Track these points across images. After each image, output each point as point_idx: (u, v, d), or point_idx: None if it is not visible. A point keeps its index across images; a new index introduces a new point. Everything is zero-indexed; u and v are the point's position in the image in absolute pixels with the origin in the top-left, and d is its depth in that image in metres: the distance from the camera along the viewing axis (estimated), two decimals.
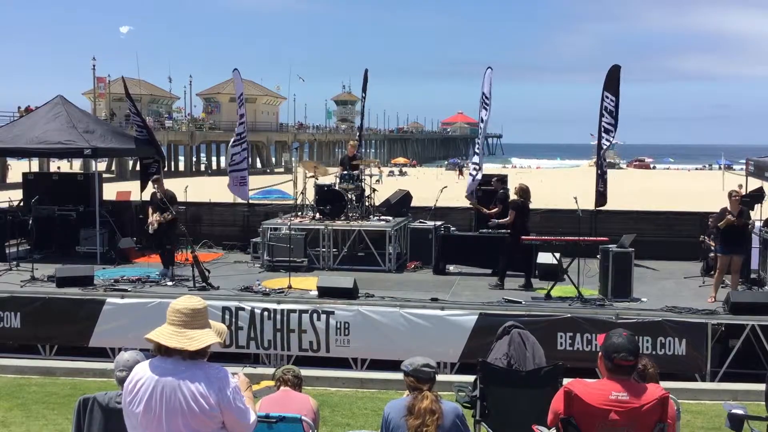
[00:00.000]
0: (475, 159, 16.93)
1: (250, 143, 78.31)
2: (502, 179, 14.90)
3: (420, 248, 14.33)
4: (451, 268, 13.85)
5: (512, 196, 12.58)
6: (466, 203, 16.77)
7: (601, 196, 15.29)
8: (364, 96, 17.71)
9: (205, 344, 3.51)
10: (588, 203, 15.57)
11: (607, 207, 15.72)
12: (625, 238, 11.71)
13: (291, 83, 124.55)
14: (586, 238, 12.06)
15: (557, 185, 52.24)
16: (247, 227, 16.52)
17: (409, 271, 13.95)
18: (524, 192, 12.22)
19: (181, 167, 72.99)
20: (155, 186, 13.27)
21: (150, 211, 12.94)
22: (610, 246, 11.51)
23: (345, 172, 14.79)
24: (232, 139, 16.73)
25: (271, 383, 5.49)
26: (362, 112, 17.84)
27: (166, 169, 16.99)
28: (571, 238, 11.94)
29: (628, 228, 13.66)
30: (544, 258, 12.80)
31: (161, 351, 3.53)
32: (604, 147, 15.11)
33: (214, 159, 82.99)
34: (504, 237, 13.46)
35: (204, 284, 11.76)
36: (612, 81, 15.08)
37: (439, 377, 4.97)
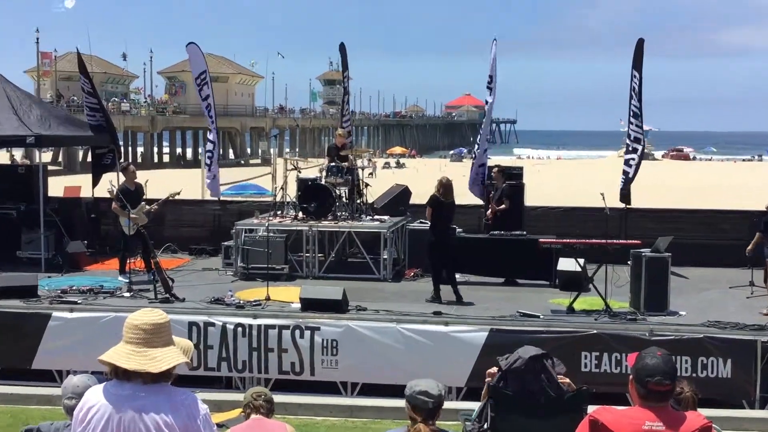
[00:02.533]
0: (480, 147, 16.96)
1: (221, 130, 78.38)
2: (504, 170, 14.99)
3: (420, 253, 14.34)
4: (457, 276, 13.89)
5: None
6: (475, 200, 16.80)
7: (625, 192, 15.35)
8: (346, 75, 17.70)
9: (169, 365, 3.49)
10: (616, 200, 15.63)
11: (640, 204, 15.77)
12: (661, 240, 11.74)
13: (269, 60, 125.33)
14: (614, 240, 12.09)
15: (580, 179, 52.41)
16: (217, 228, 16.53)
17: (408, 279, 13.99)
18: (445, 187, 12.26)
19: (140, 158, 72.91)
20: (125, 175, 13.33)
21: (118, 207, 12.97)
22: (642, 250, 11.54)
23: (333, 164, 14.79)
24: (210, 124, 16.72)
25: (236, 413, 5.45)
26: (344, 94, 17.91)
27: (122, 160, 16.92)
28: (597, 240, 11.97)
29: (664, 229, 13.69)
30: (566, 264, 12.82)
31: (118, 374, 3.50)
32: (634, 134, 15.16)
33: (179, 150, 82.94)
34: (520, 239, 13.50)
35: (167, 295, 11.76)
36: (639, 57, 15.14)
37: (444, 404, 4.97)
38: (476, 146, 17.04)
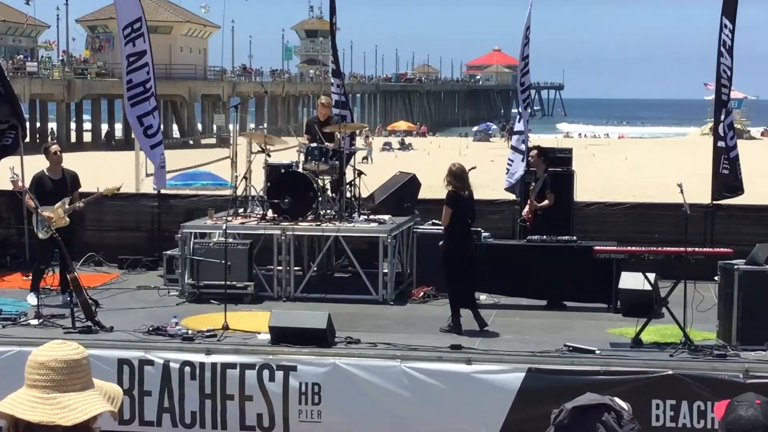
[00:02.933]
0: (518, 125, 16.98)
1: (162, 99, 78.40)
2: (545, 152, 14.97)
3: (432, 265, 14.32)
4: (483, 297, 13.86)
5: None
6: (507, 194, 16.80)
7: (725, 184, 15.32)
8: (334, 23, 17.68)
9: (87, 415, 3.46)
10: (700, 194, 15.62)
11: (731, 200, 15.75)
12: (761, 249, 11.71)
13: (228, 3, 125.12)
14: (697, 248, 12.07)
15: (651, 165, 52.49)
16: (156, 233, 16.55)
17: (416, 301, 14.00)
18: (457, 177, 12.31)
19: (53, 136, 72.86)
20: (48, 159, 13.29)
21: (32, 202, 12.95)
22: (735, 262, 11.53)
23: (314, 146, 14.81)
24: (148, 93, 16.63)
25: None
26: (333, 49, 17.84)
27: (28, 139, 16.89)
28: (673, 249, 11.95)
29: (765, 234, 13.68)
30: (630, 281, 12.82)
31: (18, 429, 3.50)
32: (728, 104, 15.17)
33: (105, 126, 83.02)
34: (568, 247, 13.50)
35: (88, 323, 11.75)
36: (731, 1, 15.13)
37: None
38: (519, 122, 17.02)
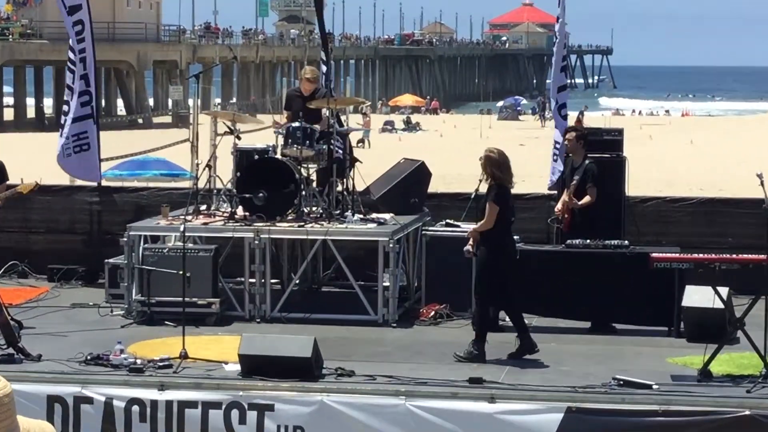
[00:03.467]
0: (561, 95, 16.92)
1: (103, 67, 77.95)
2: (584, 135, 14.85)
3: (446, 277, 14.36)
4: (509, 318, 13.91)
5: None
6: (541, 186, 16.79)
7: None
8: None
9: None
10: None
11: None
12: None
13: None
14: None
15: (723, 150, 52.40)
16: (96, 236, 16.55)
17: (425, 323, 14.03)
18: (502, 166, 12.34)
19: None
20: None
21: None
22: None
23: (296, 125, 14.82)
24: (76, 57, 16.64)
25: None
26: (319, 2, 17.79)
27: None
28: (751, 256, 11.97)
29: None
30: (697, 296, 12.83)
31: None
32: None
33: (31, 100, 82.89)
34: (618, 255, 13.48)
35: (10, 350, 11.74)
36: None
37: None
38: (560, 93, 17.01)
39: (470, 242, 12.48)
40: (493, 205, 12.23)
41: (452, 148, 50.48)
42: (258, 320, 13.90)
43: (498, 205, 12.22)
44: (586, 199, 14.29)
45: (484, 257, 12.33)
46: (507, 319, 13.74)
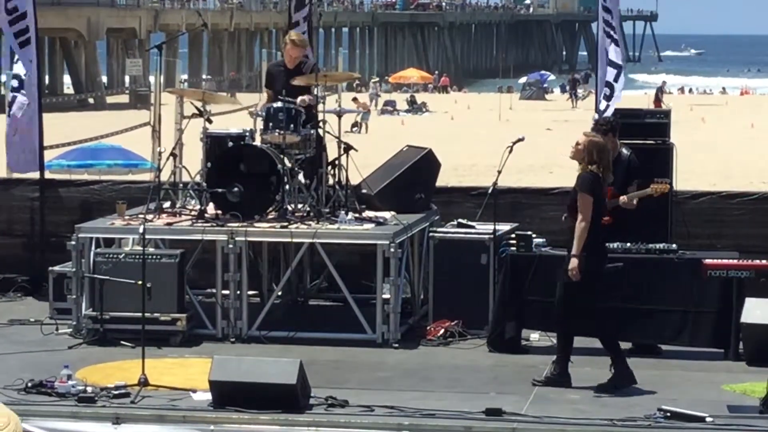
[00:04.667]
0: (610, 73, 16.89)
1: (47, 36, 77.48)
2: (609, 122, 14.76)
3: (457, 289, 14.39)
4: (535, 336, 13.95)
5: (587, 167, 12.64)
6: (571, 180, 16.77)
7: None
8: None
9: None
10: None
11: None
12: None
13: None
14: None
15: None
16: (38, 238, 16.58)
17: (432, 342, 14.06)
18: (604, 152, 12.39)
19: None
20: None
21: None
22: None
23: (278, 106, 14.84)
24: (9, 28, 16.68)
25: None
26: None
27: None
28: None
29: None
30: (759, 312, 12.85)
31: None
32: None
33: None
34: (664, 261, 13.48)
35: None
36: None
37: None
38: (602, 67, 17.01)
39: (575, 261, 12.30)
40: (585, 196, 12.22)
41: (465, 134, 50.55)
42: (232, 340, 13.93)
43: (591, 196, 12.23)
44: (624, 198, 14.16)
45: (579, 263, 12.18)
46: (533, 336, 13.79)
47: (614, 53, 16.59)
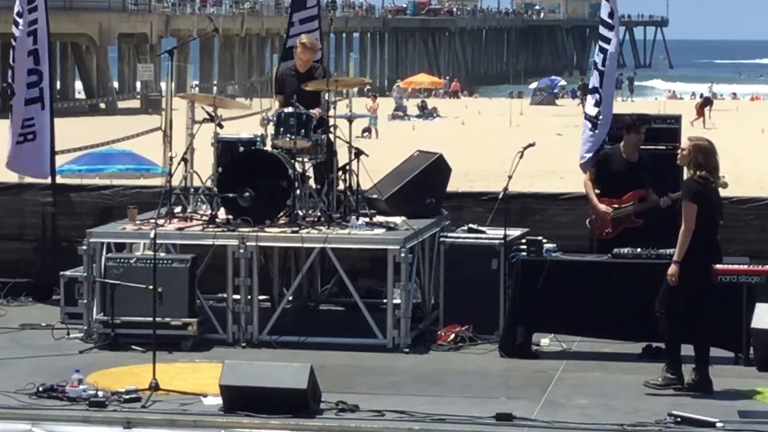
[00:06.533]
0: (595, 79, 16.87)
1: (59, 41, 77.42)
2: (634, 122, 14.71)
3: (468, 293, 14.39)
4: (546, 341, 13.96)
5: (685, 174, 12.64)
6: (582, 185, 16.77)
7: None
8: None
9: None
10: None
11: None
12: None
13: None
14: None
15: None
16: (50, 243, 16.60)
17: (443, 347, 14.07)
18: (710, 155, 12.25)
19: None
20: None
21: None
22: None
23: (288, 111, 14.85)
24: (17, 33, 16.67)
25: None
26: None
27: None
28: None
29: None
30: None
31: None
32: None
33: None
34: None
35: None
36: None
37: None
38: (595, 75, 16.97)
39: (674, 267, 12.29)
40: (689, 205, 12.17)
41: (476, 139, 50.52)
42: (243, 344, 13.94)
43: (695, 203, 12.16)
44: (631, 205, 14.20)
45: (680, 270, 12.19)
46: (543, 341, 13.78)
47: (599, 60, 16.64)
